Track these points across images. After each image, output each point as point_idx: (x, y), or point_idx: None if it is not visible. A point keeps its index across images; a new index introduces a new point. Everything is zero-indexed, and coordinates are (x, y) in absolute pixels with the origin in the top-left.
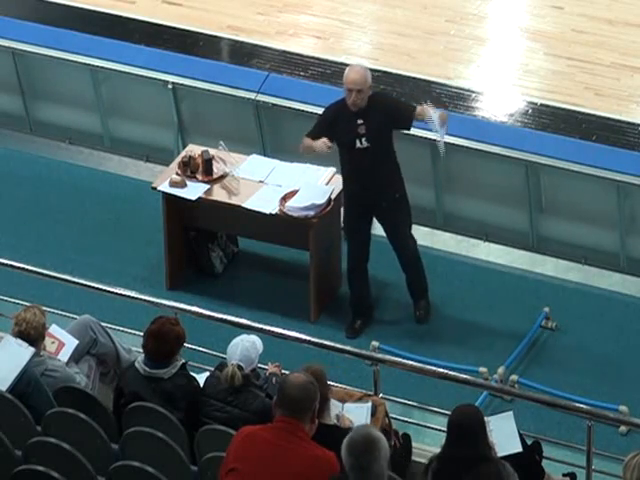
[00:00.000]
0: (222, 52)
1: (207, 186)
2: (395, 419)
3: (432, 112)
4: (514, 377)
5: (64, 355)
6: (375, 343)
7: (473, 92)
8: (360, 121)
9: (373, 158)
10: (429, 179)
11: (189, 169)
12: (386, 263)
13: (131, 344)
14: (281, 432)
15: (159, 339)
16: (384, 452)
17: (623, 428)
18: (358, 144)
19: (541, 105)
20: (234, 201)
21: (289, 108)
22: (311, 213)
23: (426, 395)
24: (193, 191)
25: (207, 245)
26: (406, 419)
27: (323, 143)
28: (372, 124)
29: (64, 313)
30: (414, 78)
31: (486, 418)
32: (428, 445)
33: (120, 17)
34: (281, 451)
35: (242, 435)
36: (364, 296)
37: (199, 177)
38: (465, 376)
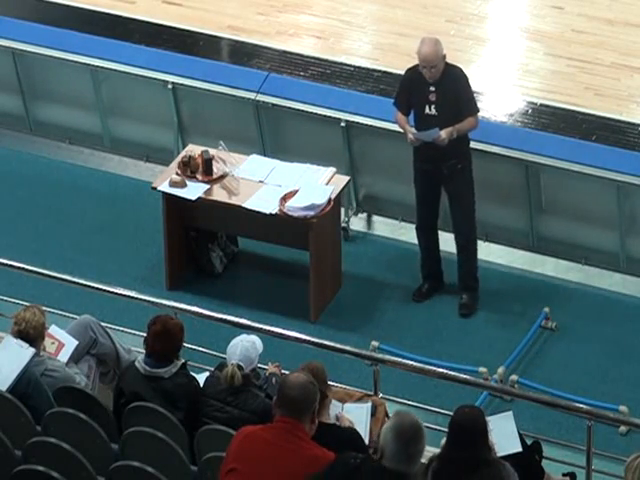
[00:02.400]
0: (222, 52)
1: (207, 186)
2: None
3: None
4: (514, 377)
5: (64, 355)
6: (375, 343)
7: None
8: (432, 88)
9: (441, 127)
10: None
11: (189, 169)
12: (386, 263)
13: (131, 344)
14: (281, 432)
15: (167, 337)
16: (425, 441)
17: (623, 428)
18: (427, 110)
19: (541, 105)
20: (234, 201)
21: (289, 108)
22: (311, 213)
23: (426, 395)
24: (193, 191)
25: (207, 245)
26: None
27: (409, 135)
28: (442, 94)
29: (64, 313)
30: None
31: (486, 418)
32: (428, 445)
33: (120, 17)
34: (281, 451)
35: (242, 435)
36: (432, 255)
37: (199, 177)
38: (465, 376)
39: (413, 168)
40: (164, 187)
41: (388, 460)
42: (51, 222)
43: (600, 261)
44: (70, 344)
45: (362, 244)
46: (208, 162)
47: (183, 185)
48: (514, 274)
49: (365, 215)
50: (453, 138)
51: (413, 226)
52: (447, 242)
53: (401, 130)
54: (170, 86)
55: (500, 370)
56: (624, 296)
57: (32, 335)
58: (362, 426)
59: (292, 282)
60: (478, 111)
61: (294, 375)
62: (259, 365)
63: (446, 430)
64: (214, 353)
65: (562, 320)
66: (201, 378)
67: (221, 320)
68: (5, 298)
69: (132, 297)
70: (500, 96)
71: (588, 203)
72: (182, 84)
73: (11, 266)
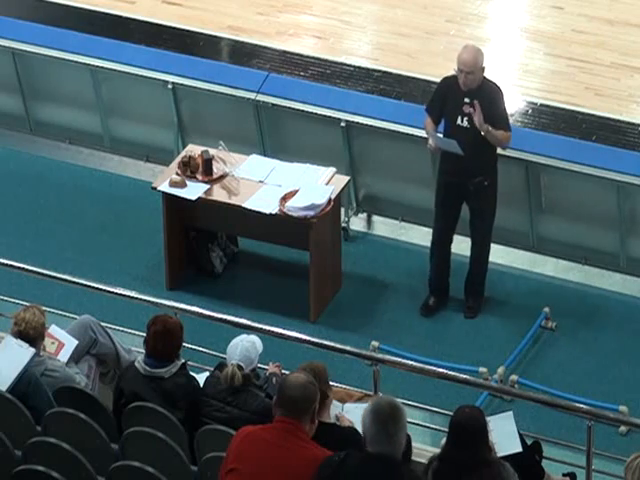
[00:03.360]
0: (222, 52)
1: (207, 186)
2: None
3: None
4: (514, 377)
5: (64, 355)
6: (375, 343)
7: None
8: (467, 100)
9: (471, 140)
10: (430, 180)
11: (189, 169)
12: (386, 263)
13: (131, 344)
14: (281, 432)
15: (167, 336)
16: (406, 421)
17: (623, 428)
18: (459, 121)
19: (541, 105)
20: (234, 201)
21: (289, 108)
22: (311, 213)
23: (426, 395)
24: (193, 191)
25: (207, 245)
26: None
27: (430, 145)
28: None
29: (64, 313)
30: (414, 78)
31: (486, 418)
32: (428, 445)
33: (120, 17)
34: (281, 451)
35: (242, 435)
36: (442, 272)
37: (199, 177)
38: (465, 376)
39: (437, 181)
40: (164, 187)
41: (370, 444)
42: (51, 222)
43: (600, 261)
44: (70, 344)
45: (362, 244)
46: (208, 162)
47: (183, 185)
48: (514, 274)
49: (365, 215)
50: (483, 132)
51: (413, 226)
52: (458, 245)
53: (401, 131)
54: (170, 86)
55: (500, 370)
56: (624, 296)
57: (32, 335)
58: None
59: (292, 282)
60: (510, 131)
61: (294, 375)
62: (259, 365)
63: (446, 430)
64: (214, 353)
65: (562, 320)
66: (201, 378)
67: (221, 320)
68: (5, 298)
69: (132, 297)
70: None
71: (588, 203)
72: (182, 84)
73: (11, 266)
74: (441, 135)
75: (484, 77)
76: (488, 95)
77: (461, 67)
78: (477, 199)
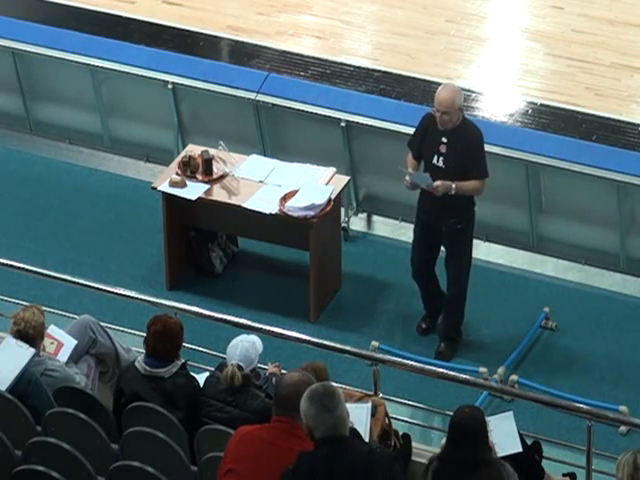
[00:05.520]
0: (222, 52)
1: (207, 186)
2: (395, 419)
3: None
4: (514, 377)
5: (63, 355)
6: (375, 343)
7: (473, 92)
8: (444, 139)
9: (446, 180)
10: None
11: (189, 169)
12: (386, 263)
13: (131, 344)
14: (278, 432)
15: (167, 336)
16: (342, 399)
17: (623, 428)
18: (435, 160)
19: (541, 105)
20: (234, 201)
21: (289, 108)
22: (311, 213)
23: (426, 395)
24: (193, 191)
25: (207, 245)
26: (406, 419)
27: (407, 181)
28: (452, 149)
29: (64, 313)
30: (414, 78)
31: (486, 418)
32: (428, 445)
33: (120, 17)
34: (278, 451)
35: (239, 435)
36: (432, 295)
37: (199, 177)
38: (465, 376)
39: (415, 218)
40: (164, 187)
41: (316, 428)
42: (51, 222)
43: (600, 261)
44: (69, 344)
45: (362, 244)
46: (208, 162)
47: (183, 185)
48: (514, 274)
49: (365, 215)
50: (451, 194)
51: (413, 226)
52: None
53: (401, 131)
54: (170, 86)
55: (500, 370)
56: (624, 296)
57: (32, 335)
58: (362, 426)
59: (292, 282)
60: (487, 176)
61: (289, 374)
62: (259, 365)
63: (446, 430)
64: (214, 353)
65: (562, 320)
66: (201, 378)
67: (221, 320)
68: (5, 298)
69: (132, 297)
70: (500, 96)
71: (588, 203)
72: (182, 84)
73: (11, 266)
74: (412, 172)
75: (464, 118)
76: (465, 138)
77: (437, 106)
78: (450, 240)
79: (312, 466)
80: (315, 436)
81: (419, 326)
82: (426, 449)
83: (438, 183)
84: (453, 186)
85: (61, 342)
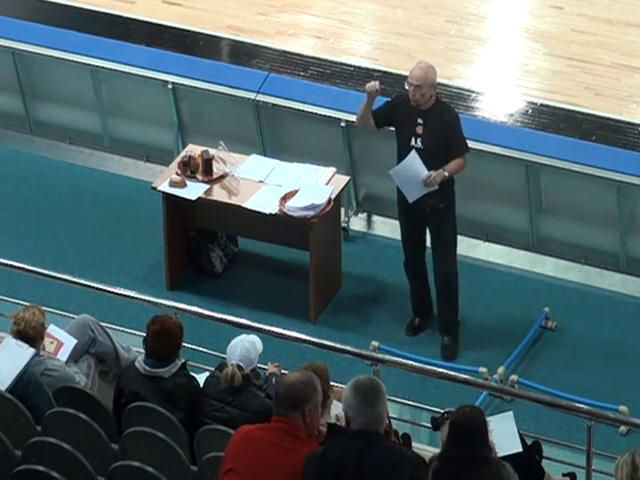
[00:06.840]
0: (222, 52)
1: (207, 186)
2: (395, 419)
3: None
4: (514, 377)
5: (63, 355)
6: (375, 343)
7: (473, 92)
8: (420, 120)
9: (425, 161)
10: None
11: (189, 169)
12: (386, 263)
13: (131, 344)
14: (277, 431)
15: (166, 336)
16: (385, 396)
17: (623, 428)
18: (413, 142)
19: (541, 105)
20: (234, 201)
21: (289, 108)
22: (311, 213)
23: (426, 395)
24: (193, 191)
25: (207, 245)
26: (406, 419)
27: (373, 84)
28: (429, 130)
29: (64, 313)
30: None
31: (486, 418)
32: (428, 445)
33: (120, 17)
34: (278, 451)
35: (240, 435)
36: (421, 288)
37: (199, 177)
38: (465, 376)
39: (397, 206)
40: (164, 187)
41: (353, 418)
42: (51, 222)
43: (600, 261)
44: (69, 343)
45: (362, 244)
46: (208, 162)
47: (183, 185)
48: (514, 274)
49: (365, 215)
50: (445, 180)
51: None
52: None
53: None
54: (170, 86)
55: (500, 370)
56: (624, 296)
57: (31, 335)
58: None
59: (292, 282)
60: (468, 150)
61: (289, 374)
62: (259, 365)
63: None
64: (214, 353)
65: (562, 320)
66: (201, 378)
67: (221, 320)
68: (5, 298)
69: (132, 297)
70: (500, 96)
71: (588, 203)
72: (182, 84)
73: (11, 266)
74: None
75: (437, 99)
76: (441, 117)
77: (410, 80)
78: (435, 221)
79: (340, 456)
80: (352, 426)
81: (411, 326)
82: (426, 449)
83: (432, 174)
84: (445, 174)
85: (61, 341)
